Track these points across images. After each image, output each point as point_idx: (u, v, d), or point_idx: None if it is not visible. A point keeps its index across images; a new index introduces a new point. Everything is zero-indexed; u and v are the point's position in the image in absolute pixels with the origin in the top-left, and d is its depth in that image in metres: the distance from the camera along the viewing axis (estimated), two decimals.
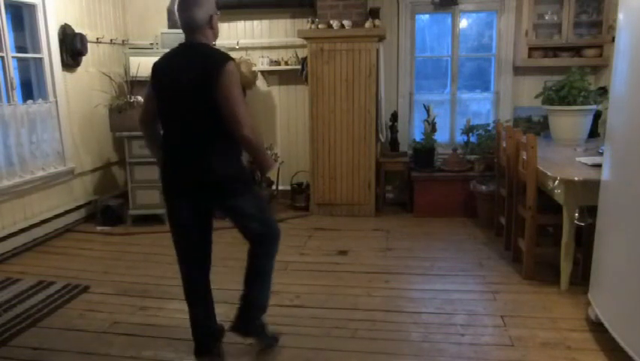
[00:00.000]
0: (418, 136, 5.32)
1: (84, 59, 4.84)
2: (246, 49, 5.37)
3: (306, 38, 4.84)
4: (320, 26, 4.81)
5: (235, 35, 5.40)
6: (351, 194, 5.00)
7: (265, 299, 2.56)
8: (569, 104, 3.98)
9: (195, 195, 2.36)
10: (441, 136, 5.25)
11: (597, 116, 4.34)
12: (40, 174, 4.31)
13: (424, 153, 5.03)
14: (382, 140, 5.19)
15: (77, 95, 4.82)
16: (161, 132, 2.42)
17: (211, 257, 2.54)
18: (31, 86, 4.46)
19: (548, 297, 3.12)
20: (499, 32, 5.19)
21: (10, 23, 4.13)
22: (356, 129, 4.88)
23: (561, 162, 3.44)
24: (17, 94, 4.17)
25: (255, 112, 5.55)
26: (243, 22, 5.43)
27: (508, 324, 2.81)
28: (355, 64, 4.77)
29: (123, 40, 5.46)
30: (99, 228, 4.72)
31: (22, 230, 4.12)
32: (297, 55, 5.29)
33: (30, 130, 4.23)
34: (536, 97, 4.36)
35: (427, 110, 5.12)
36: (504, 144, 4.07)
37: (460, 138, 5.27)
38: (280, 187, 5.37)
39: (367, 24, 4.73)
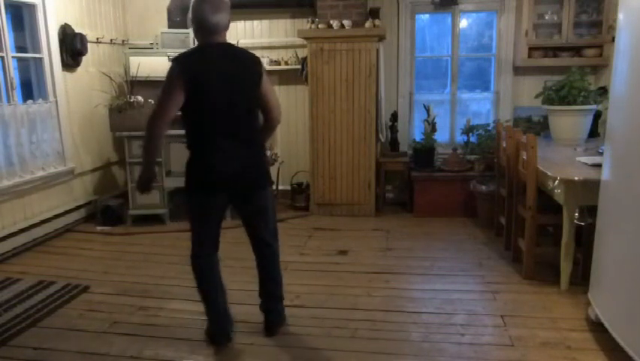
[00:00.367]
0: (418, 136, 5.32)
1: (84, 59, 4.84)
2: (245, 49, 5.35)
3: (306, 38, 4.84)
4: (320, 26, 4.81)
5: (235, 35, 5.39)
6: (351, 194, 5.00)
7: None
8: (568, 104, 3.98)
9: (235, 187, 2.53)
10: (441, 136, 5.25)
11: (597, 116, 4.34)
12: (40, 174, 4.31)
13: (424, 152, 5.03)
14: (382, 140, 5.19)
15: (77, 95, 4.82)
16: (191, 131, 2.48)
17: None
18: (31, 86, 4.46)
19: (548, 297, 3.12)
20: (499, 32, 5.19)
21: (10, 23, 4.13)
22: (356, 129, 4.88)
23: (561, 161, 3.44)
24: (17, 94, 4.17)
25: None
26: (243, 22, 5.43)
27: (508, 324, 2.81)
28: (355, 64, 4.77)
29: (123, 40, 5.46)
30: (99, 228, 4.72)
31: (22, 230, 4.12)
32: (297, 55, 5.29)
33: (30, 130, 4.23)
34: (536, 97, 4.35)
35: (427, 110, 5.12)
36: (504, 144, 4.07)
37: (460, 138, 5.28)
38: (280, 187, 5.37)
39: (367, 24, 4.73)
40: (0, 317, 2.96)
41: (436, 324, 2.84)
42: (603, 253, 2.65)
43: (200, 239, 2.58)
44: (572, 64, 4.46)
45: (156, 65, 5.06)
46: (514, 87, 5.21)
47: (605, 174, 2.66)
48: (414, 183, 4.98)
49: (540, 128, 4.73)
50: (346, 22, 4.74)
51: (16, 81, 4.16)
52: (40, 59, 4.43)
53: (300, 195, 5.25)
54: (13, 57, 4.12)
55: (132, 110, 4.63)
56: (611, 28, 4.47)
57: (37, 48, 4.40)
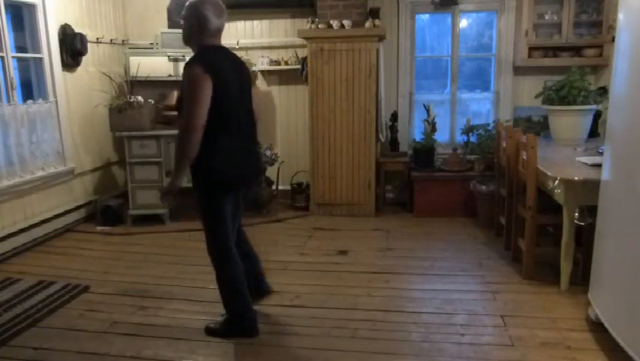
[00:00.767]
0: (418, 136, 5.32)
1: (84, 58, 4.84)
2: (246, 49, 5.37)
3: (306, 38, 4.84)
4: (320, 26, 4.81)
5: (235, 35, 5.40)
6: (351, 194, 5.00)
7: None
8: (568, 104, 3.98)
9: (249, 185, 2.89)
10: (441, 136, 5.25)
11: (597, 116, 4.34)
12: (40, 174, 4.31)
13: (424, 152, 5.03)
14: (382, 140, 5.19)
15: (77, 95, 4.82)
16: (215, 130, 2.45)
17: None
18: (31, 86, 4.46)
19: (548, 297, 3.12)
20: (499, 32, 5.19)
21: (10, 23, 4.13)
22: (356, 129, 4.88)
23: (561, 161, 3.44)
24: (17, 94, 4.17)
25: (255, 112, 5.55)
26: (242, 22, 5.43)
27: (508, 324, 2.81)
28: (355, 64, 4.77)
29: (123, 40, 5.46)
30: (99, 228, 4.72)
31: (22, 230, 4.12)
32: (297, 55, 5.29)
33: (30, 130, 4.23)
34: (536, 97, 4.36)
35: (427, 110, 5.12)
36: (504, 144, 4.06)
37: (460, 138, 5.28)
38: (280, 187, 5.37)
39: (367, 24, 4.73)
40: (0, 317, 2.96)
41: (436, 324, 2.84)
42: (603, 253, 2.65)
43: (229, 232, 2.66)
44: (572, 64, 4.46)
45: (156, 65, 5.08)
46: (514, 87, 5.21)
47: (605, 174, 2.66)
48: (414, 183, 4.98)
49: (540, 128, 4.73)
50: (346, 22, 4.74)
51: (16, 81, 4.16)
52: (40, 59, 4.43)
53: (300, 195, 5.25)
54: (13, 57, 4.12)
55: (132, 110, 4.63)
56: (611, 28, 4.47)
57: (37, 48, 4.40)
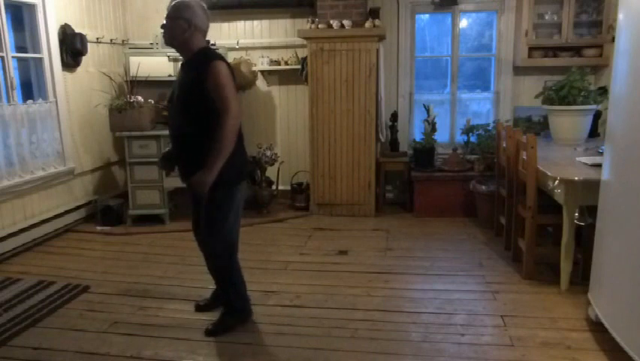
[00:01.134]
0: (418, 136, 5.31)
1: (84, 59, 4.84)
2: (245, 49, 5.37)
3: (306, 38, 4.84)
4: (320, 26, 4.81)
5: (235, 35, 5.40)
6: (351, 194, 5.00)
7: None
8: (569, 104, 3.98)
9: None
10: (441, 136, 5.25)
11: (597, 116, 4.34)
12: (40, 174, 4.31)
13: (424, 153, 5.03)
14: (382, 140, 5.19)
15: (77, 95, 4.82)
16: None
17: None
18: (31, 86, 4.46)
19: (548, 297, 3.12)
20: (499, 32, 5.19)
21: (10, 23, 4.13)
22: (356, 129, 4.88)
23: (561, 161, 3.44)
24: (17, 94, 4.16)
25: (255, 112, 5.56)
26: (242, 22, 5.43)
27: (508, 324, 2.81)
28: (355, 64, 4.77)
29: (123, 40, 5.46)
30: (99, 228, 4.72)
31: (22, 230, 4.12)
32: (297, 55, 5.29)
33: (30, 130, 4.23)
34: (536, 97, 4.36)
35: (427, 110, 5.11)
36: (504, 144, 4.07)
37: (460, 138, 5.28)
38: (280, 187, 5.37)
39: (367, 24, 4.73)
40: (0, 317, 2.97)
41: (435, 324, 2.84)
42: (603, 253, 2.64)
43: (238, 228, 2.75)
44: (572, 64, 4.47)
45: (156, 65, 5.08)
46: (514, 87, 5.21)
47: (605, 174, 2.66)
48: (414, 183, 4.98)
49: (540, 128, 4.73)
50: (346, 22, 4.74)
51: (16, 81, 4.16)
52: (40, 59, 4.43)
53: (300, 195, 5.25)
54: (13, 57, 4.12)
55: (132, 110, 4.63)
56: (611, 28, 4.47)
57: (37, 48, 4.40)
